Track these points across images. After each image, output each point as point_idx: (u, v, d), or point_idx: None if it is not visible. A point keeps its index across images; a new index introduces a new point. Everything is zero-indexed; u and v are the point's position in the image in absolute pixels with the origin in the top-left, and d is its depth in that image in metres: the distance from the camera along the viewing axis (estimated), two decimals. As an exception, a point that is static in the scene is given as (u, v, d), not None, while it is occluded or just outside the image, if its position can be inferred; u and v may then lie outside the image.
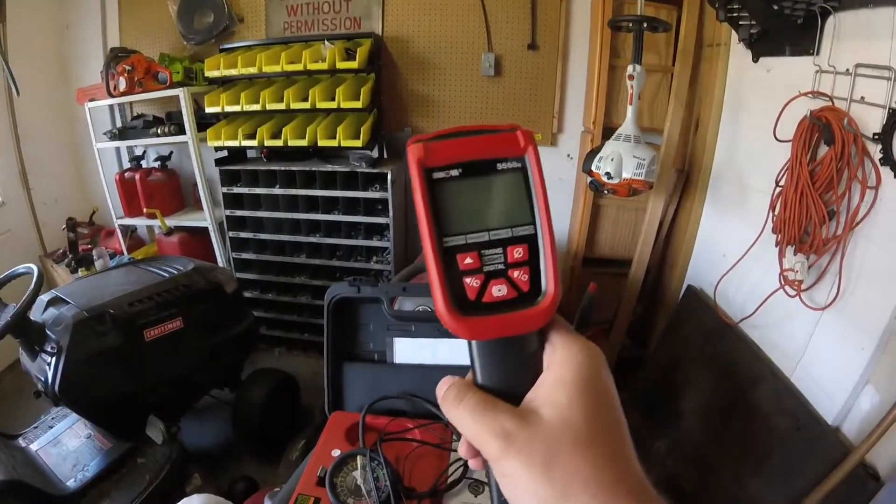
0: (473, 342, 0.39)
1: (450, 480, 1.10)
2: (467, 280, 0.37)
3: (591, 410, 0.34)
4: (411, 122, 3.21)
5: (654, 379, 2.52)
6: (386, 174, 2.82)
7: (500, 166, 0.38)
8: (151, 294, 2.13)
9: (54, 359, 1.86)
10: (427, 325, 1.32)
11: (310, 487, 1.09)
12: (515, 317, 0.37)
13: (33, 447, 2.10)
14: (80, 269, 3.12)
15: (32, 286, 1.92)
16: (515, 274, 0.38)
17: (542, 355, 0.39)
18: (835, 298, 1.57)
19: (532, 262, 0.38)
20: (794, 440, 1.67)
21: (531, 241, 0.38)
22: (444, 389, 0.39)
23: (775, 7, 1.73)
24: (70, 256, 3.22)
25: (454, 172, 0.37)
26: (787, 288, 1.74)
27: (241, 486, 2.26)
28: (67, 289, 2.20)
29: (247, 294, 3.19)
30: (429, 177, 0.37)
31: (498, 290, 0.37)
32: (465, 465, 1.13)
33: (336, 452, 1.14)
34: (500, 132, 0.39)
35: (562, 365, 0.36)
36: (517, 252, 0.38)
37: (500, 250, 0.37)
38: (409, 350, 1.33)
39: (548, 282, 0.38)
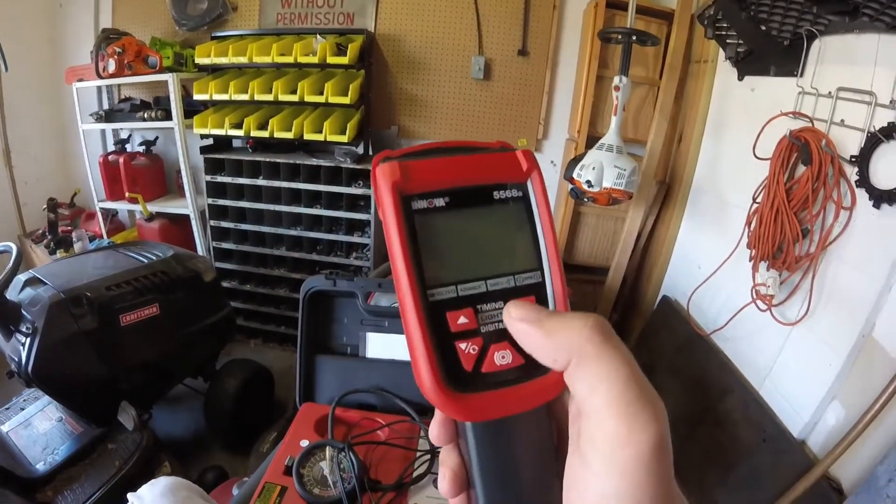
0: (468, 429, 0.29)
1: (415, 474, 1.12)
2: (462, 345, 0.29)
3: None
4: (399, 120, 3.23)
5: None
6: (370, 171, 2.81)
7: (497, 195, 0.31)
8: (129, 279, 2.11)
9: (29, 339, 1.83)
10: (400, 322, 1.33)
11: (277, 476, 1.09)
12: (522, 390, 0.29)
13: (4, 428, 2.06)
14: (58, 251, 3.08)
15: (11, 265, 1.89)
16: None
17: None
18: (805, 315, 1.61)
19: None
20: (759, 452, 1.70)
21: (539, 292, 0.31)
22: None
23: (763, 28, 1.77)
24: (49, 237, 3.18)
25: (439, 202, 0.30)
26: (758, 302, 1.77)
27: (211, 475, 2.24)
28: (45, 269, 2.18)
29: (225, 284, 3.16)
30: (407, 206, 0.29)
31: (501, 358, 0.29)
32: (431, 460, 1.14)
33: (305, 443, 1.15)
34: (493, 151, 0.32)
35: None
36: None
37: (500, 305, 0.30)
38: (381, 345, 1.34)
39: None
